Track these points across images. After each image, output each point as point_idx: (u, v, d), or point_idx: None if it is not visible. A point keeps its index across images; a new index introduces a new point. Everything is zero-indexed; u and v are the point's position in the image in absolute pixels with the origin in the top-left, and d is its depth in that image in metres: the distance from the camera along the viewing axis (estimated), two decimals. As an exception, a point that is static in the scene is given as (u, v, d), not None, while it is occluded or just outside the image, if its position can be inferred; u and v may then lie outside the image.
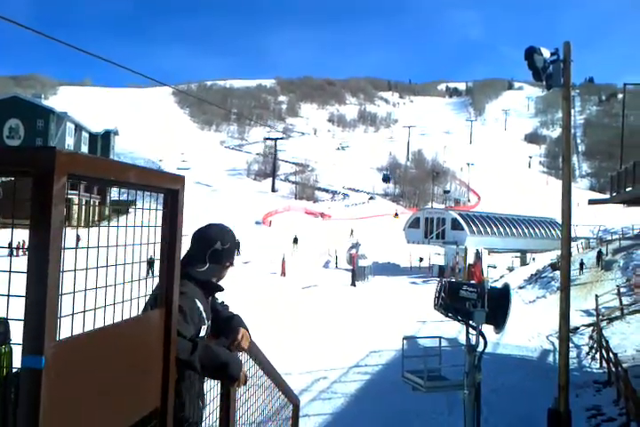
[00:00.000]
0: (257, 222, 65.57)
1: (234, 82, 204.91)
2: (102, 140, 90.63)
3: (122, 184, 1.54)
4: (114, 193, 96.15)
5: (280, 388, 3.65)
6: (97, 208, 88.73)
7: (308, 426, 11.59)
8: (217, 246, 2.58)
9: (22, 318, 1.23)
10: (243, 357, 2.81)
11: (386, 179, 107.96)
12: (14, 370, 1.35)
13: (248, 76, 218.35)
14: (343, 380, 15.41)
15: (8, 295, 1.28)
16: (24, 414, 1.23)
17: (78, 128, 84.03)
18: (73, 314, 1.32)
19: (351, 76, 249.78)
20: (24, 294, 1.22)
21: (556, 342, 15.09)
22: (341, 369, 16.12)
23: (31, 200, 1.22)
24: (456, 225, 40.62)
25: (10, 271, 1.27)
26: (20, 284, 1.29)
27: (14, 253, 33.87)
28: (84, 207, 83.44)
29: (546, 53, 10.04)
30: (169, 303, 1.81)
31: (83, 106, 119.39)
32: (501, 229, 43.78)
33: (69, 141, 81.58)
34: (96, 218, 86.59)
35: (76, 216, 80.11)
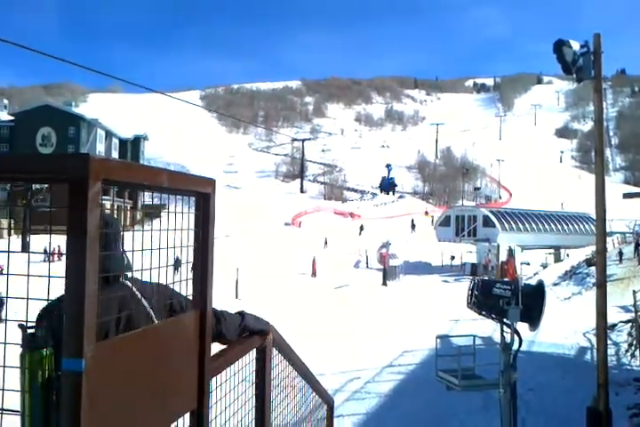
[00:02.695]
0: (286, 224, 65.78)
1: (260, 84, 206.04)
2: (132, 146, 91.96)
3: (154, 188, 1.56)
4: (145, 197, 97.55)
5: (314, 388, 3.66)
6: (129, 213, 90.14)
7: (343, 426, 11.57)
8: None
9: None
10: (277, 358, 2.82)
11: (385, 186, 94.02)
12: (56, 373, 1.37)
13: (274, 79, 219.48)
14: (377, 380, 15.36)
15: (48, 300, 1.31)
16: (66, 415, 1.26)
17: (109, 134, 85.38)
18: (113, 317, 1.34)
19: (377, 74, 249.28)
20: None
21: (594, 340, 14.81)
22: (375, 369, 16.07)
23: (67, 206, 1.24)
24: (487, 222, 40.16)
25: (49, 276, 1.30)
26: (58, 289, 1.32)
27: (50, 258, 34.45)
28: (115, 212, 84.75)
29: (575, 46, 9.86)
30: (203, 305, 1.83)
31: (112, 112, 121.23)
32: (534, 226, 43.15)
33: (100, 148, 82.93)
34: (128, 222, 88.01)
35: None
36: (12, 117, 79.86)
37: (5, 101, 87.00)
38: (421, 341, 17.29)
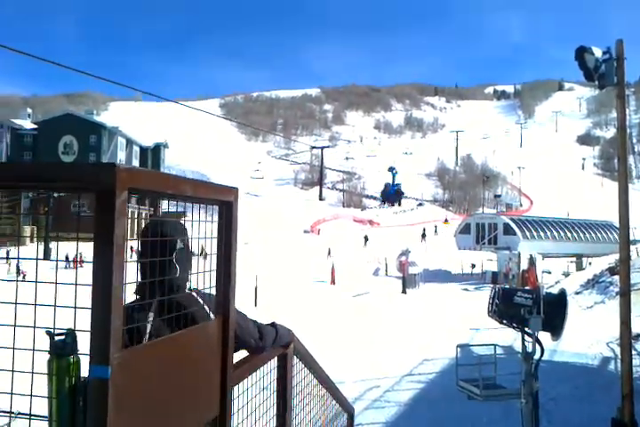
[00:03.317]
0: (305, 231, 65.83)
1: (279, 92, 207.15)
2: (152, 154, 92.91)
3: (178, 197, 1.58)
4: (165, 205, 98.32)
5: (335, 397, 3.65)
6: (148, 220, 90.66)
7: (363, 435, 11.51)
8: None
9: (88, 329, 1.28)
10: (297, 366, 2.83)
11: (389, 195, 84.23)
12: (82, 379, 1.39)
13: (293, 86, 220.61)
14: (396, 388, 15.24)
15: (75, 307, 1.33)
16: (93, 421, 1.27)
17: (129, 142, 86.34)
18: (137, 324, 1.36)
19: (396, 82, 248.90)
20: (89, 306, 1.27)
21: (617, 350, 14.58)
22: (394, 377, 15.96)
23: (94, 215, 1.26)
24: (508, 230, 39.82)
25: (76, 284, 1.32)
26: (80, 295, 1.34)
27: (71, 265, 34.94)
28: (136, 220, 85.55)
29: (597, 53, 9.78)
30: (226, 312, 1.84)
31: (133, 121, 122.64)
32: (555, 234, 42.69)
33: (121, 156, 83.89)
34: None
35: (129, 228, 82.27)
36: (35, 126, 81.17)
37: (29, 110, 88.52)
38: (441, 349, 17.15)
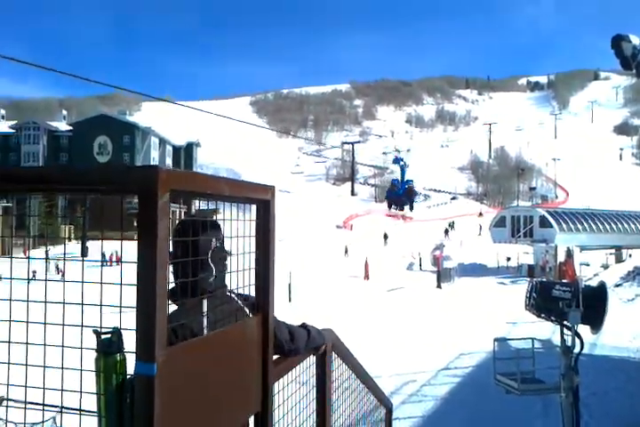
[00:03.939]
0: (338, 226, 65.82)
1: (309, 89, 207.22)
2: (185, 153, 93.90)
3: (217, 197, 1.61)
4: (198, 203, 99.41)
5: (373, 392, 3.66)
6: (183, 217, 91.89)
7: (400, 429, 11.49)
8: None
9: (134, 327, 1.31)
10: (336, 361, 2.84)
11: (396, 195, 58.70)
12: (129, 376, 1.42)
13: (323, 82, 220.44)
14: (433, 382, 15.18)
15: (120, 306, 1.37)
16: (140, 417, 1.31)
17: (162, 142, 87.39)
18: (182, 323, 1.39)
19: (427, 75, 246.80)
20: (134, 305, 1.30)
21: (660, 343, 14.28)
22: (431, 372, 15.89)
23: (137, 216, 1.29)
24: (544, 223, 39.17)
25: (121, 284, 1.35)
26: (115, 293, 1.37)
27: (108, 263, 35.62)
28: (171, 217, 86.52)
29: (635, 40, 9.57)
30: (265, 310, 1.87)
31: (165, 120, 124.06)
32: (593, 226, 41.84)
33: (154, 155, 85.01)
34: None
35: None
36: (70, 127, 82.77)
37: (64, 112, 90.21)
38: (478, 343, 17.01)
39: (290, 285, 28.51)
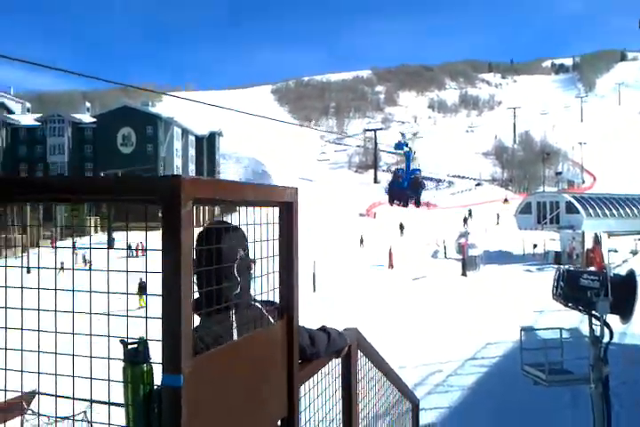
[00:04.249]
0: (361, 215, 65.69)
1: (330, 76, 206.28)
2: (207, 143, 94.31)
3: (240, 203, 1.59)
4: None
5: (399, 389, 3.65)
6: (207, 208, 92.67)
7: (426, 420, 11.49)
8: None
9: (160, 337, 1.30)
10: (361, 360, 2.83)
11: (400, 186, 28.71)
12: (156, 386, 1.42)
13: (344, 69, 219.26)
14: (459, 373, 15.15)
15: (146, 317, 1.36)
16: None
17: (185, 132, 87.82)
18: (209, 333, 1.37)
19: (448, 59, 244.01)
20: (160, 316, 1.29)
21: (691, 331, 14.03)
22: (457, 362, 15.86)
23: (161, 226, 1.28)
24: (571, 208, 38.62)
25: (146, 294, 1.34)
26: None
27: (134, 253, 36.08)
28: (195, 207, 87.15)
29: (663, 21, 9.27)
30: (289, 314, 1.85)
31: (187, 110, 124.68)
32: (621, 211, 41.13)
33: (177, 145, 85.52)
34: (207, 218, 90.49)
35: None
36: (94, 119, 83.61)
37: (88, 104, 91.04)
38: (505, 332, 16.91)
39: (314, 274, 28.57)
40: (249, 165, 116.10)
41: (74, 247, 30.07)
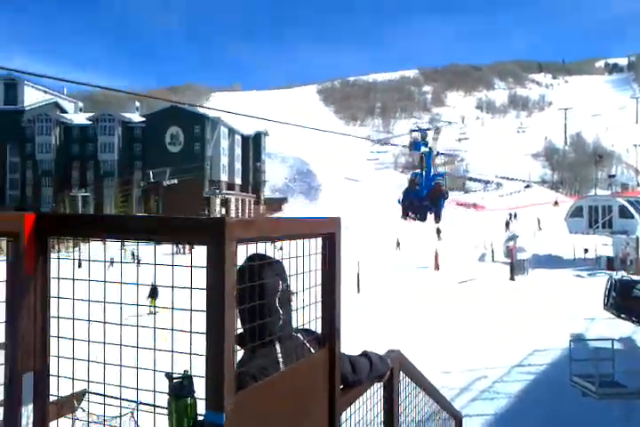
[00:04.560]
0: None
1: (376, 76, 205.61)
2: (253, 142, 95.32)
3: (283, 238, 1.61)
4: (267, 191, 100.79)
5: (442, 405, 3.62)
6: (252, 206, 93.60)
7: (471, 427, 11.34)
8: None
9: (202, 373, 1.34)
10: (404, 380, 2.82)
11: (417, 195, 20.02)
12: (200, 419, 1.46)
13: (390, 69, 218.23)
14: (505, 379, 14.88)
15: (190, 354, 1.40)
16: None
17: (231, 131, 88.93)
18: (254, 367, 1.40)
19: (497, 59, 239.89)
20: (204, 353, 1.33)
21: None
22: (503, 368, 15.58)
23: (206, 266, 1.31)
24: (625, 213, 37.43)
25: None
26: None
27: (181, 250, 36.69)
28: (240, 206, 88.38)
29: None
30: (332, 342, 1.87)
31: (234, 110, 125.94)
32: (678, 215, 39.67)
33: (224, 144, 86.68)
34: (252, 215, 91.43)
35: (233, 215, 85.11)
36: (143, 119, 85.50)
37: (137, 104, 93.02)
38: (553, 340, 16.54)
39: (358, 275, 28.54)
40: (294, 165, 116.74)
41: (123, 243, 30.83)
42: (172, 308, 1.40)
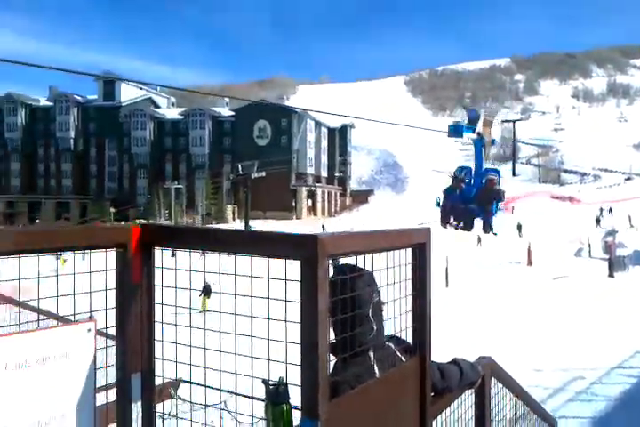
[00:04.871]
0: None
1: (466, 65, 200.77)
2: (340, 135, 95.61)
3: (374, 251, 1.63)
4: (353, 184, 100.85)
5: (535, 412, 3.54)
6: (339, 199, 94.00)
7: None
8: None
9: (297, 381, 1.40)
10: (495, 386, 2.78)
11: (462, 198, 14.20)
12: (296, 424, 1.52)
13: (480, 58, 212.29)
14: (604, 381, 14.22)
15: (286, 363, 1.46)
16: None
17: (317, 124, 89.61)
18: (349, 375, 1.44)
19: (595, 45, 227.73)
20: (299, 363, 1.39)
21: None
22: (602, 369, 14.90)
23: (300, 281, 1.37)
24: None
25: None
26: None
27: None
28: (326, 198, 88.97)
29: None
30: (422, 351, 1.88)
31: (320, 102, 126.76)
32: None
33: (310, 137, 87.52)
34: (338, 208, 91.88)
35: (319, 207, 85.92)
36: (232, 113, 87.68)
37: (226, 99, 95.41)
38: (656, 341, 15.66)
39: (447, 269, 28.15)
40: (380, 157, 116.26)
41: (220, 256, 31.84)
42: (269, 318, 1.47)
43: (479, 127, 13.59)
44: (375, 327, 1.86)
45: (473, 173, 13.66)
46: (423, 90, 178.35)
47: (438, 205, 12.45)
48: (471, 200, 13.40)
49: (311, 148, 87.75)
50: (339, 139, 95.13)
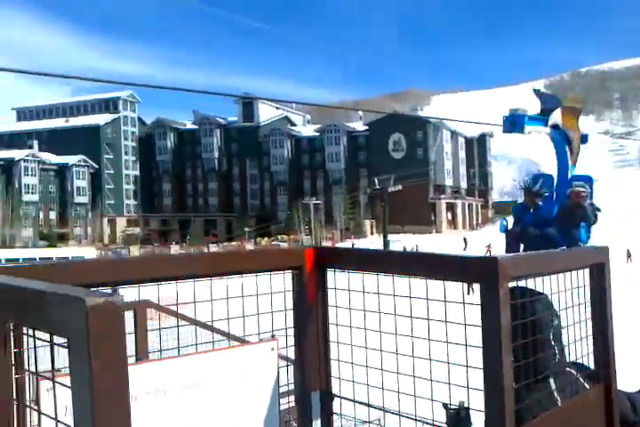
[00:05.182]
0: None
1: (612, 64, 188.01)
2: (478, 144, 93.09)
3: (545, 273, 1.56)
4: (495, 195, 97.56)
5: None
6: (481, 211, 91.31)
7: None
8: None
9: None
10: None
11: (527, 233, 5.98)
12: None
13: (628, 55, 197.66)
14: None
15: (467, 387, 1.44)
16: None
17: (454, 134, 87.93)
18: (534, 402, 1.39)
19: None
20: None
21: None
22: None
23: (480, 304, 1.35)
24: None
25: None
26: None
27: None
28: (467, 211, 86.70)
29: None
30: (607, 379, 1.77)
31: (456, 112, 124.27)
32: None
33: (447, 148, 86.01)
34: (480, 220, 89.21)
35: (460, 220, 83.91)
36: (366, 127, 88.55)
37: (360, 113, 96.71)
38: None
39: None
40: (522, 166, 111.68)
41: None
42: (447, 341, 1.46)
43: (554, 118, 8.91)
44: (557, 352, 1.78)
45: (555, 183, 8.52)
46: (566, 93, 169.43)
47: (504, 230, 7.78)
48: (550, 222, 8.60)
49: (448, 159, 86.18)
50: (477, 148, 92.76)
